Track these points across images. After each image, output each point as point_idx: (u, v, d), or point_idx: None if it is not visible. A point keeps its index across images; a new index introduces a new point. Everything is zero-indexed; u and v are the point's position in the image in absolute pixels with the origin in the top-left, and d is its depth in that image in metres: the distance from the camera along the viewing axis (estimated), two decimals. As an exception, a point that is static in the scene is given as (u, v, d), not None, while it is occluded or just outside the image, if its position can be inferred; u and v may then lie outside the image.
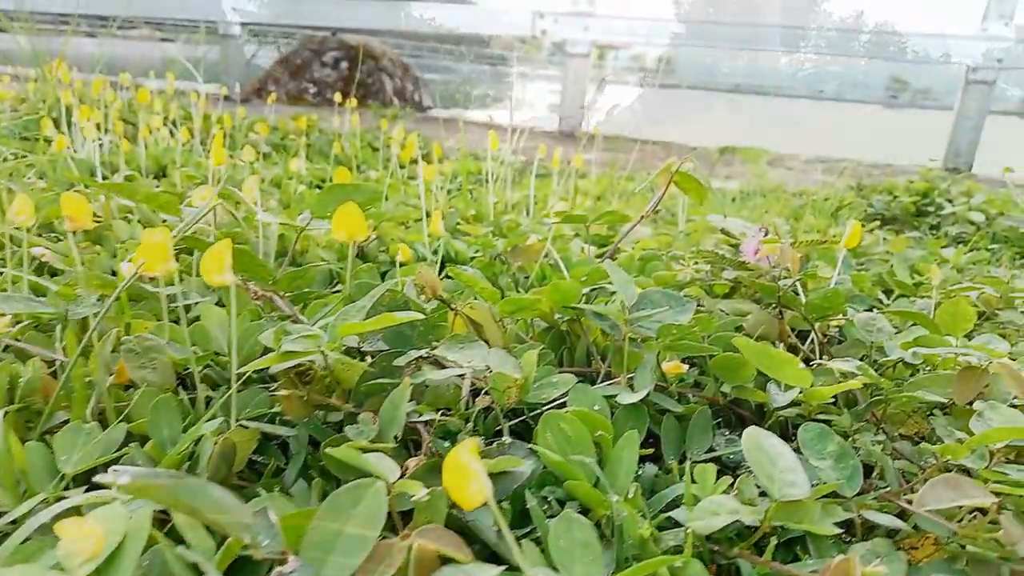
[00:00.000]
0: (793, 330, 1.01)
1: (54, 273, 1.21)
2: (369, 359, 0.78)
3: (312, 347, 0.65)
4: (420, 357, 0.71)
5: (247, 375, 0.74)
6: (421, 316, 0.65)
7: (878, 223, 2.50)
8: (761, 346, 0.69)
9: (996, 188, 4.13)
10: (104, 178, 1.90)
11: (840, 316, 0.98)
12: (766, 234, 1.09)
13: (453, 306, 0.85)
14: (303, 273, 0.88)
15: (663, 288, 1.09)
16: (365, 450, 0.56)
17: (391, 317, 0.64)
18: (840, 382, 0.84)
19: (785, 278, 0.90)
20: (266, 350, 0.77)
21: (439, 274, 1.51)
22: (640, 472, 0.69)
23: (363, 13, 5.97)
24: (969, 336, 1.37)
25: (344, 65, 6.63)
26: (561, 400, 0.72)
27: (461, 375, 0.70)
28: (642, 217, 1.00)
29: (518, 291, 1.27)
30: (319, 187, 2.35)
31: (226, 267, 0.62)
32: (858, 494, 0.69)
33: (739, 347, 0.71)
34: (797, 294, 0.94)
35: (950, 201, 2.56)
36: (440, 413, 0.72)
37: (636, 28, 5.60)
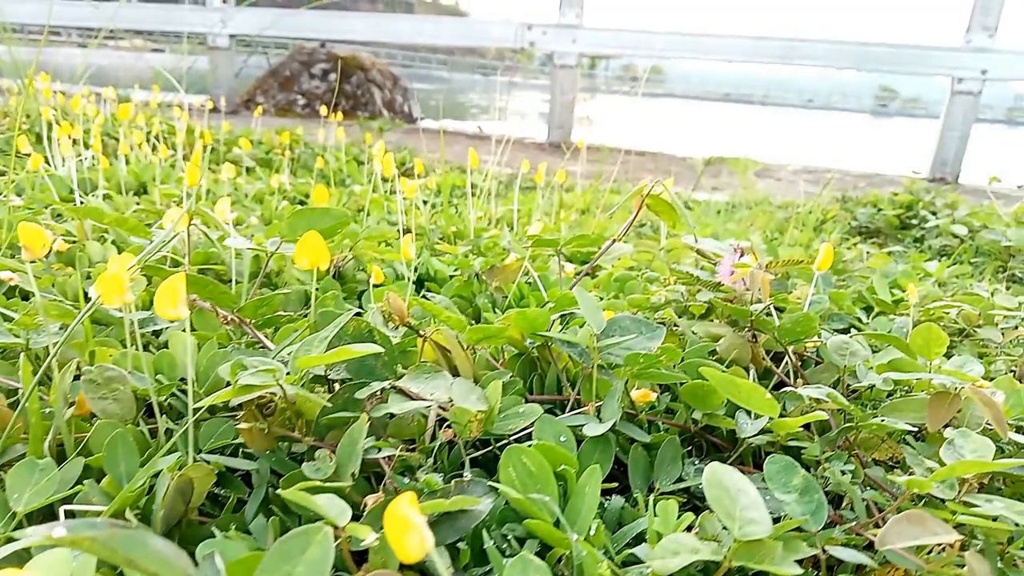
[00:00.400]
0: (768, 352, 1.00)
1: (26, 296, 1.19)
2: (338, 386, 0.77)
3: (270, 381, 0.64)
4: (384, 388, 0.70)
5: (213, 405, 0.72)
6: (379, 349, 0.64)
7: (862, 236, 2.50)
8: (728, 376, 0.69)
9: (982, 198, 4.15)
10: (83, 195, 1.89)
11: (815, 338, 0.98)
12: (741, 255, 1.08)
13: (422, 333, 0.84)
14: (268, 300, 0.87)
15: (639, 309, 1.09)
16: (320, 489, 0.55)
17: (348, 351, 0.63)
18: (810, 409, 0.83)
19: (757, 302, 0.90)
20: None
21: (418, 292, 1.50)
22: (606, 504, 0.68)
23: (353, 25, 5.97)
24: (948, 354, 1.37)
25: (333, 77, 6.63)
26: (528, 430, 0.71)
27: (426, 407, 0.68)
28: (613, 241, 0.99)
29: (495, 311, 1.26)
30: (302, 202, 2.34)
31: (179, 301, 0.61)
32: (827, 526, 0.69)
33: (707, 376, 0.70)
34: (770, 315, 0.94)
35: (934, 214, 2.57)
36: (404, 446, 0.71)
37: (624, 40, 5.62)
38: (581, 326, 0.90)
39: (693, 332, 0.98)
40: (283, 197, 2.38)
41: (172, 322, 1.11)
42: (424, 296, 1.47)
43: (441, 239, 1.79)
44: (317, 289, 1.28)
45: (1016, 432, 1.07)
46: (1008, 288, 1.97)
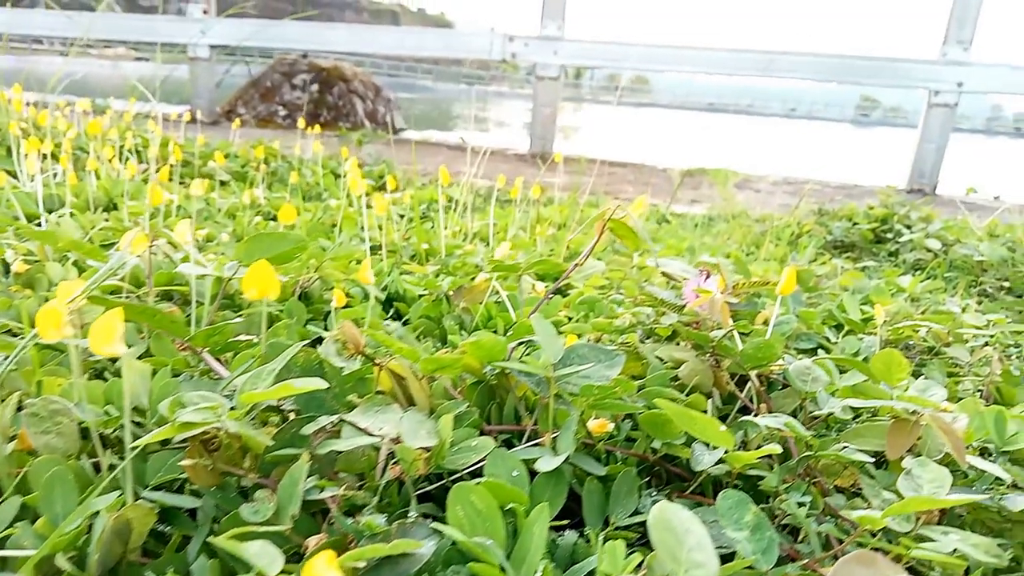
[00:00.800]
0: (734, 376, 1.00)
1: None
2: (294, 415, 0.75)
3: (211, 418, 0.62)
4: (333, 422, 0.69)
5: (159, 438, 0.70)
6: (321, 386, 0.63)
7: (838, 250, 2.51)
8: (683, 409, 0.68)
9: (959, 210, 4.20)
10: (49, 212, 1.86)
11: (779, 362, 0.97)
12: (707, 277, 1.08)
13: (377, 361, 0.82)
14: (220, 329, 0.85)
15: (604, 332, 1.08)
16: (255, 535, 0.53)
17: (289, 387, 0.62)
18: (770, 438, 0.82)
19: (717, 328, 0.89)
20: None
21: (388, 312, 1.48)
22: (559, 541, 0.67)
23: (336, 36, 5.96)
24: (917, 372, 1.37)
25: (315, 88, 6.61)
26: (480, 464, 0.70)
27: (375, 442, 0.67)
28: (576, 265, 0.98)
29: (462, 333, 1.25)
30: (275, 218, 2.32)
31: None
32: (782, 561, 0.68)
33: (662, 408, 0.69)
34: (733, 340, 0.93)
35: (909, 227, 2.58)
36: (353, 482, 0.69)
37: (605, 52, 5.64)
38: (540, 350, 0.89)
39: (657, 357, 0.97)
40: (257, 212, 2.36)
41: (144, 337, 1.09)
42: (394, 315, 1.46)
43: (413, 256, 1.77)
44: (280, 311, 1.26)
45: (980, 455, 1.07)
46: (980, 303, 1.99)
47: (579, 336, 1.02)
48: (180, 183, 2.70)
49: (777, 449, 0.67)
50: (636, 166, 5.58)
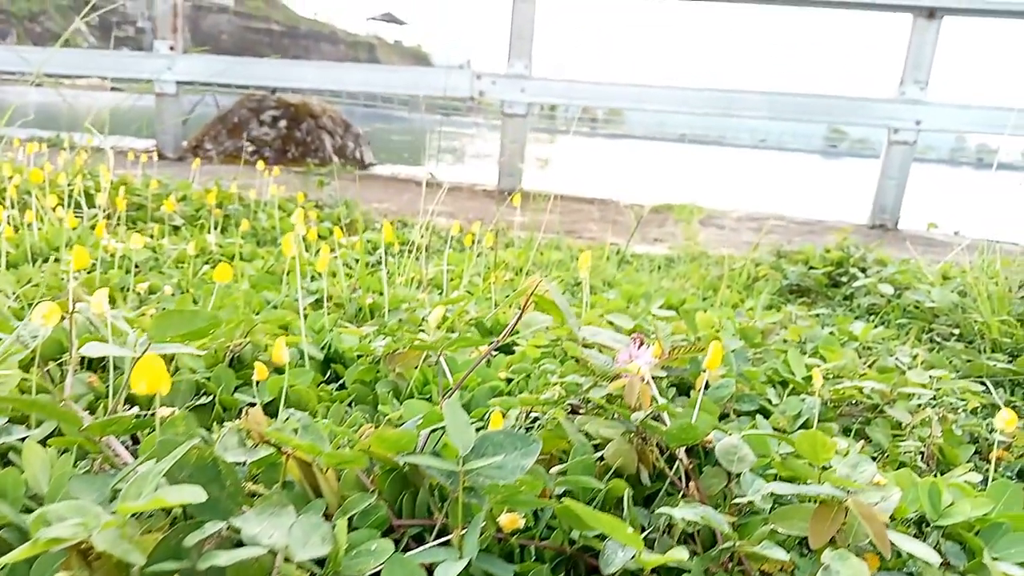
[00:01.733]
0: (664, 450, 0.97)
1: None
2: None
3: (81, 533, 0.59)
4: (222, 529, 0.65)
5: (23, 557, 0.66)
6: (199, 498, 0.59)
7: (793, 295, 2.52)
8: (588, 510, 0.65)
9: (920, 244, 4.25)
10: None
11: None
12: (640, 345, 1.06)
13: (284, 450, 0.79)
14: (115, 422, 0.81)
15: (532, 406, 1.05)
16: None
17: (161, 500, 0.58)
18: (688, 528, 0.80)
19: (638, 409, 0.87)
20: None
21: (326, 373, 1.44)
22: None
23: (305, 74, 5.96)
24: (860, 433, 1.35)
25: (283, 124, 6.59)
26: (379, 570, 0.66)
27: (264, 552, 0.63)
28: (497, 342, 0.95)
29: (396, 400, 1.21)
30: (229, 262, 2.27)
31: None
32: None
33: (570, 508, 0.67)
34: (658, 419, 0.91)
35: (864, 271, 2.60)
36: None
37: (572, 91, 5.70)
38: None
39: (584, 433, 0.94)
40: (207, 260, 2.32)
41: (52, 420, 1.04)
42: (332, 376, 1.42)
43: (359, 312, 1.74)
44: (207, 379, 1.22)
45: (916, 526, 1.06)
46: (931, 350, 1.99)
47: (506, 412, 0.99)
48: (132, 227, 2.65)
49: (683, 556, 0.64)
50: (603, 202, 5.61)
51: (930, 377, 1.49)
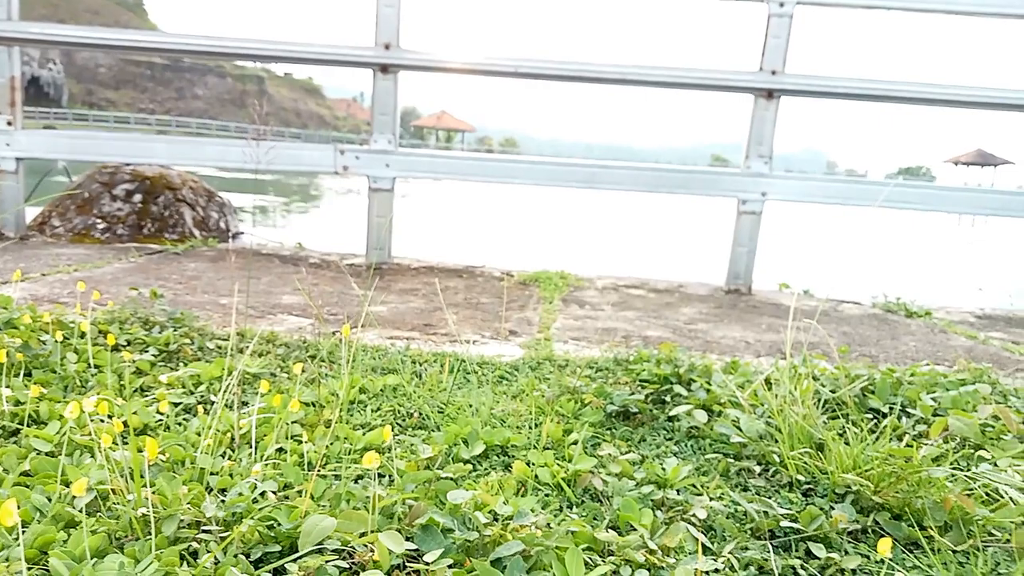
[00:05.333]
0: None
1: None
2: None
3: None
4: None
5: None
6: None
7: (620, 419, 2.56)
8: None
9: (768, 314, 4.48)
10: None
11: None
12: None
13: None
14: None
15: None
16: None
17: None
18: None
19: None
20: None
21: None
22: None
23: (156, 149, 5.70)
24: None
25: (138, 198, 6.27)
26: None
27: None
28: None
29: None
30: (16, 431, 2.08)
31: None
32: None
33: None
34: None
35: (689, 386, 2.68)
36: None
37: (436, 165, 5.72)
38: None
39: None
40: (-7, 424, 2.12)
41: None
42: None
43: (130, 523, 1.62)
44: None
45: None
46: (736, 487, 2.06)
47: None
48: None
49: None
50: (472, 273, 5.62)
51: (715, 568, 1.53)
